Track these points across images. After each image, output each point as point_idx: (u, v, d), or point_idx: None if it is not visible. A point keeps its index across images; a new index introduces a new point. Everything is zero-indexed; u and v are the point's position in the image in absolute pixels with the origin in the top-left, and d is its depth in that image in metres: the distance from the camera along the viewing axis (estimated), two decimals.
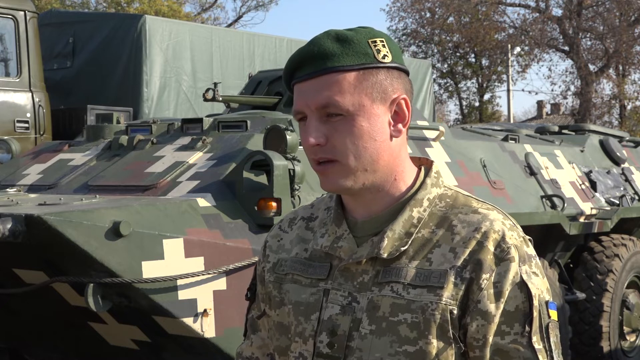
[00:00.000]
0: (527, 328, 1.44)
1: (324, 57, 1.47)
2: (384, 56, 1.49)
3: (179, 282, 3.73)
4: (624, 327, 6.61)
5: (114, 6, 26.12)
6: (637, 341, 6.79)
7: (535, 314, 1.45)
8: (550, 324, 1.47)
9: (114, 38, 8.16)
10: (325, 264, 1.55)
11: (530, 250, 1.51)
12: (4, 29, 7.09)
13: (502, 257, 1.46)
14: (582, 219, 6.12)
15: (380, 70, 1.49)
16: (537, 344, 1.44)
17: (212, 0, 30.56)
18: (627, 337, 6.68)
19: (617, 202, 6.52)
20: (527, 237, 1.53)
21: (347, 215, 1.57)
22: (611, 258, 6.35)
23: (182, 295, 3.75)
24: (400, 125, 1.52)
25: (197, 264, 3.78)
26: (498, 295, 1.44)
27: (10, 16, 7.00)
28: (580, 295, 6.20)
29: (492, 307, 1.44)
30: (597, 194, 6.47)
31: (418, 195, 1.53)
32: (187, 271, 3.74)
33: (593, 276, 6.32)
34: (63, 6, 24.74)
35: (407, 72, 1.54)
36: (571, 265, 6.53)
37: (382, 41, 1.50)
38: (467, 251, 1.46)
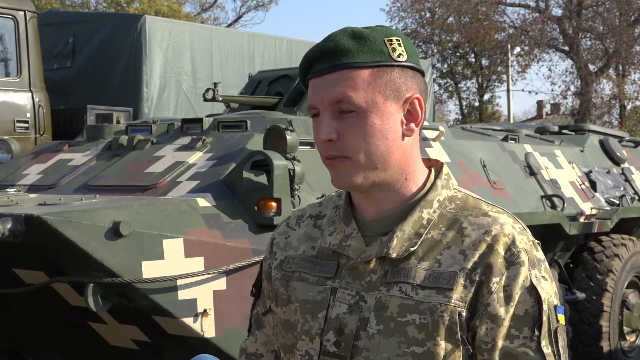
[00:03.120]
0: (536, 332, 1.44)
1: (339, 53, 1.47)
2: (399, 55, 1.49)
3: (179, 282, 3.73)
4: (624, 327, 6.61)
5: (114, 6, 26.12)
6: (637, 341, 6.79)
7: (545, 318, 1.45)
8: (558, 328, 1.47)
9: (113, 38, 8.16)
10: (332, 262, 1.55)
11: (540, 254, 1.50)
12: (4, 29, 7.09)
13: (512, 260, 1.45)
14: (582, 219, 6.12)
15: (394, 69, 1.49)
16: (546, 348, 1.45)
17: (212, 0, 30.57)
18: (627, 337, 6.68)
19: (617, 202, 6.52)
20: (536, 240, 1.53)
21: (356, 214, 1.57)
22: (611, 258, 6.35)
23: (182, 295, 3.75)
24: (412, 125, 1.51)
25: (197, 264, 3.78)
26: (508, 299, 1.44)
27: (10, 16, 7.00)
28: (580, 295, 6.20)
29: (501, 310, 1.44)
30: (597, 194, 6.47)
31: (428, 197, 1.53)
32: (187, 271, 3.74)
33: (593, 276, 6.32)
34: (63, 6, 24.74)
35: (422, 73, 1.54)
36: (571, 265, 6.53)
37: (398, 40, 1.50)
38: (477, 254, 1.45)
